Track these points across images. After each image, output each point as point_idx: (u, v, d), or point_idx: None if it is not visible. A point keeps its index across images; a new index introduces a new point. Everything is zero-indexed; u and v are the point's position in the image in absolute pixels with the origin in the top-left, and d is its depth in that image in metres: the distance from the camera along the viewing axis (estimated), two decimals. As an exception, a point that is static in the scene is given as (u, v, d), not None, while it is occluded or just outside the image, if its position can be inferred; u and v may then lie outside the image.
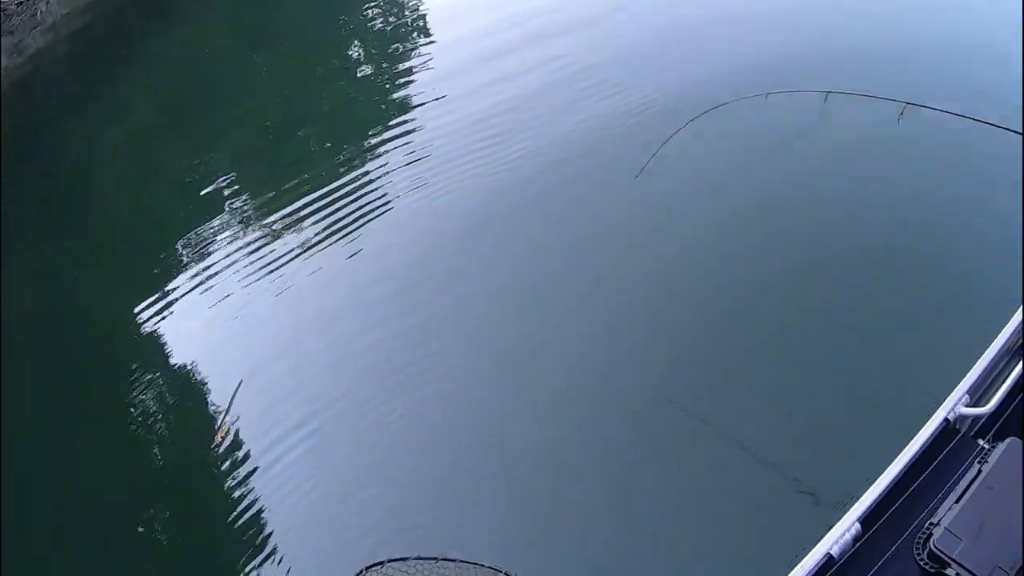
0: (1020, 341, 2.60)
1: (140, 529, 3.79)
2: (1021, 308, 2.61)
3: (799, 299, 4.15)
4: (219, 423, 4.21)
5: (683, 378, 3.91)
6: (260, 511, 3.68)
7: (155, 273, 5.44)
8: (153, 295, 5.20)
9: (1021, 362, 2.43)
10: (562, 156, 5.56)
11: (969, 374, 2.40)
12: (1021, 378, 2.43)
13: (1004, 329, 2.53)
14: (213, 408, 4.30)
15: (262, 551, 3.53)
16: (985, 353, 2.46)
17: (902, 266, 4.19)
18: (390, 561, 2.29)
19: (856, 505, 2.04)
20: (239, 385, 4.31)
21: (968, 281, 3.98)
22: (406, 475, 3.71)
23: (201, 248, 5.56)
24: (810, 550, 1.94)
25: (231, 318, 4.74)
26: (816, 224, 4.63)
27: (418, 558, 2.29)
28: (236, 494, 3.78)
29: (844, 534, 1.99)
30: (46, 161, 7.11)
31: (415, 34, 8.67)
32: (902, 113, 3.05)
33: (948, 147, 4.72)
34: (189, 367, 4.60)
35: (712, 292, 4.32)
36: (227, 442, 4.11)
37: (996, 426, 2.45)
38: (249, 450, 4.00)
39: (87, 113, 8.05)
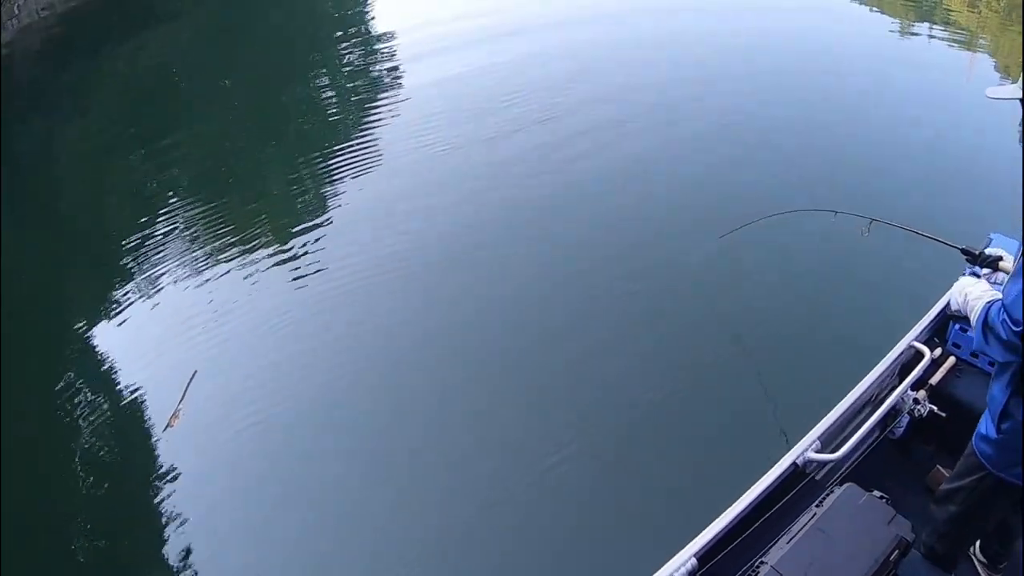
0: (875, 394, 2.83)
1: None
2: (879, 364, 2.84)
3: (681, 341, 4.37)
4: (174, 409, 4.47)
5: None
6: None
7: (107, 272, 5.67)
8: (100, 294, 5.43)
9: (872, 415, 2.66)
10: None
11: (821, 422, 2.59)
12: (871, 430, 2.66)
13: (861, 382, 2.75)
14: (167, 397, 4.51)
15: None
16: (839, 404, 2.67)
17: (773, 321, 4.42)
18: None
19: (693, 541, 2.19)
20: (193, 375, 4.56)
21: (830, 337, 4.23)
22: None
23: (151, 253, 5.77)
24: None
25: (178, 321, 4.98)
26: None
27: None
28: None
29: (680, 567, 2.13)
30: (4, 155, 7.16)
31: (385, 70, 9.21)
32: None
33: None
34: (142, 365, 4.78)
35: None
36: (180, 426, 4.39)
37: (843, 472, 2.68)
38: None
39: (51, 111, 8.23)
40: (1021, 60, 8.64)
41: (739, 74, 8.16)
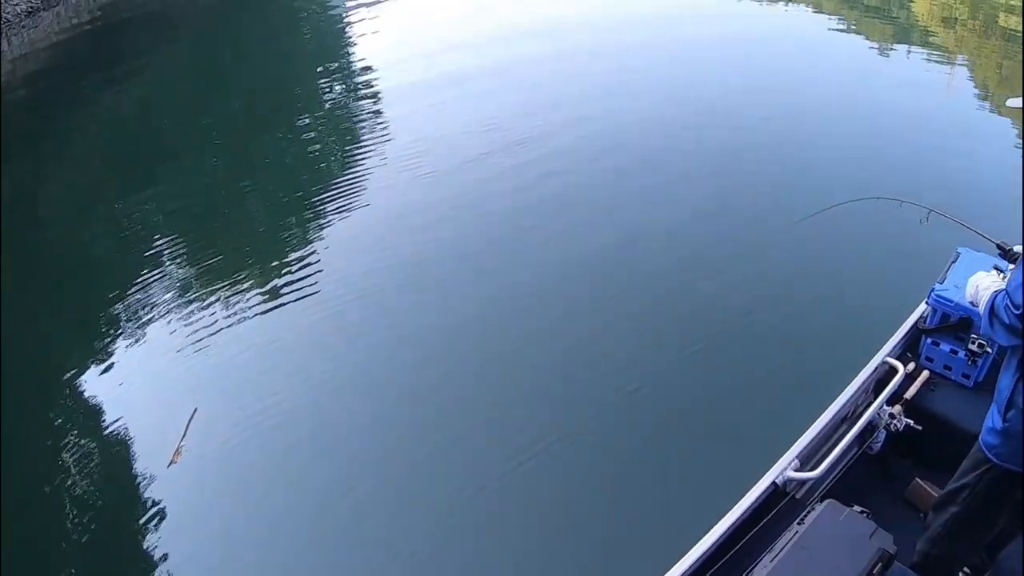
0: (852, 410, 2.91)
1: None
2: (853, 381, 2.93)
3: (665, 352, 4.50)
4: (176, 446, 4.56)
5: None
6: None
7: (99, 317, 5.67)
8: (94, 339, 5.44)
9: (849, 432, 2.74)
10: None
11: (799, 441, 2.66)
12: (849, 446, 2.73)
13: (837, 399, 2.83)
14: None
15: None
16: (816, 422, 2.74)
17: (746, 340, 4.54)
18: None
19: (677, 564, 2.23)
20: (194, 412, 4.64)
21: (805, 354, 4.34)
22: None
23: (141, 293, 5.81)
24: None
25: (169, 360, 5.06)
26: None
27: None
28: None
29: None
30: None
31: (366, 108, 9.32)
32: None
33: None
34: (141, 405, 4.84)
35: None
36: (182, 462, 4.46)
37: (823, 489, 2.74)
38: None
39: (34, 153, 8.30)
40: (1021, 75, 9.02)
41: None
